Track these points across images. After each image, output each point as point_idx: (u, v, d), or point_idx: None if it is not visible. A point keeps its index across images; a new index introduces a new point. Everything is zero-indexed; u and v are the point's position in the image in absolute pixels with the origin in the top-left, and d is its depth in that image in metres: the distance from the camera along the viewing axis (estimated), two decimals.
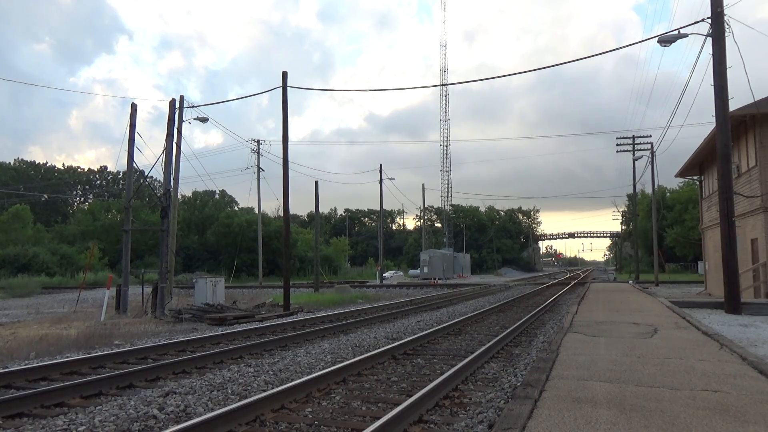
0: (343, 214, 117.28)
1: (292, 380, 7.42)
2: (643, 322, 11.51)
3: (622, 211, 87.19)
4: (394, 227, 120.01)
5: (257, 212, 55.76)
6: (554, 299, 22.37)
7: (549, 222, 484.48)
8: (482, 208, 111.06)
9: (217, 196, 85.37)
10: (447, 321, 15.02)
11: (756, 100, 16.26)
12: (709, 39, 15.21)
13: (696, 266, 54.63)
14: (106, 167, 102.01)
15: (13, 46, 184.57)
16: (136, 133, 19.71)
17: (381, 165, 51.36)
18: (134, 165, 20.31)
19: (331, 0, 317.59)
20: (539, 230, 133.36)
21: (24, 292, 34.97)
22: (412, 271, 72.35)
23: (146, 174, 33.02)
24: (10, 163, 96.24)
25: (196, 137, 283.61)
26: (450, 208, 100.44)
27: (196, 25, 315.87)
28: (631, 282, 39.03)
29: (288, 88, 20.57)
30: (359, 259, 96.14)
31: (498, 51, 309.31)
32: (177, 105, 21.87)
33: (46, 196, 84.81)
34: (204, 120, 24.27)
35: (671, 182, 71.62)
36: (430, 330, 12.34)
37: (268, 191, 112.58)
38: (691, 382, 5.86)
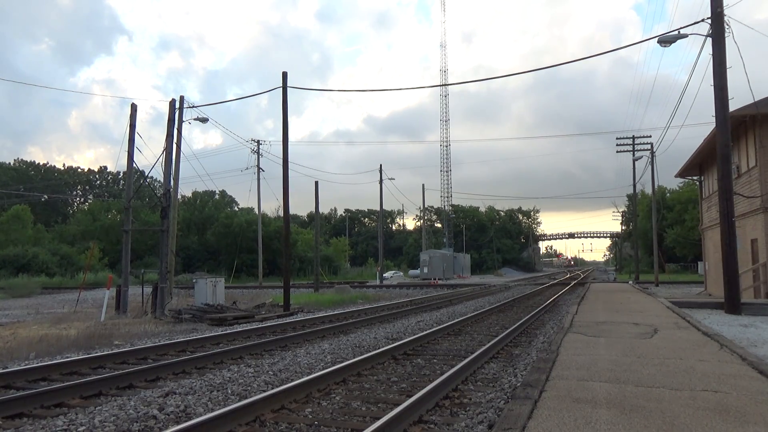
0: (343, 215, 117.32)
1: (292, 380, 7.42)
2: (643, 323, 11.52)
3: (622, 212, 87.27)
4: (394, 227, 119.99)
5: (257, 212, 55.81)
6: (554, 299, 22.37)
7: (549, 222, 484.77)
8: (482, 209, 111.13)
9: (217, 197, 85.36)
10: (447, 321, 15.02)
11: (756, 100, 16.26)
12: (709, 39, 15.21)
13: (696, 266, 54.62)
14: (105, 167, 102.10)
15: (12, 47, 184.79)
16: (135, 134, 19.73)
17: (381, 165, 51.48)
18: (134, 165, 20.32)
19: (330, 0, 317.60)
20: (539, 230, 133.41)
21: (24, 292, 34.98)
22: (412, 272, 72.35)
23: (146, 174, 33.01)
24: (9, 163, 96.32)
25: (195, 137, 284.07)
26: (450, 208, 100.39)
27: (195, 26, 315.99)
28: (631, 282, 39.03)
29: (288, 89, 20.61)
30: (359, 260, 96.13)
31: (495, 52, 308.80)
32: (177, 105, 21.87)
33: (46, 197, 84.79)
34: (204, 120, 24.27)
35: (671, 182, 71.60)
36: (430, 330, 12.34)
37: (268, 191, 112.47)
38: (691, 383, 5.86)
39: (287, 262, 20.97)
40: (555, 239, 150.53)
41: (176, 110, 21.69)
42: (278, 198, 75.23)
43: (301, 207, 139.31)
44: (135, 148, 19.63)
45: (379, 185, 51.14)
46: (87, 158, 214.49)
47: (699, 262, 40.31)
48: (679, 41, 17.20)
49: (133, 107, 20.02)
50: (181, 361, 8.89)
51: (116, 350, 10.38)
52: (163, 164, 19.78)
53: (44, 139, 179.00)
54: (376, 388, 7.25)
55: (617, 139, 44.73)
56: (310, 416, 5.97)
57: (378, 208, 55.95)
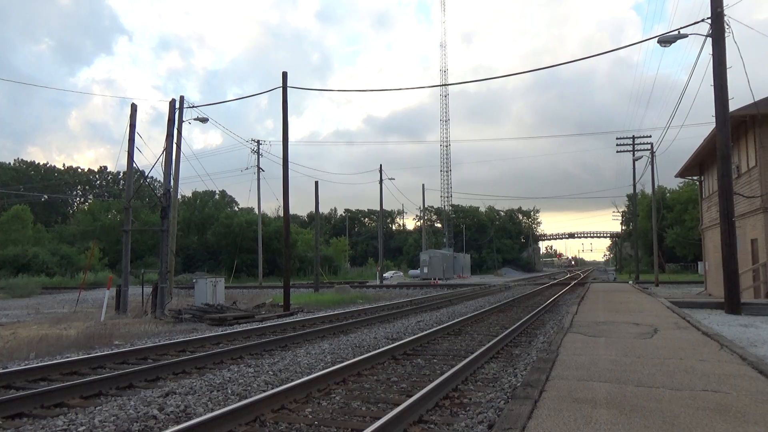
0: (343, 215, 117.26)
1: (292, 380, 7.42)
2: (643, 323, 11.52)
3: (622, 212, 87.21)
4: (394, 227, 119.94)
5: (257, 212, 55.79)
6: (554, 299, 22.37)
7: (549, 222, 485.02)
8: (482, 209, 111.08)
9: (217, 197, 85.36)
10: (447, 321, 15.02)
11: (756, 100, 16.26)
12: (709, 39, 15.21)
13: (696, 266, 54.61)
14: (106, 167, 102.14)
15: (12, 47, 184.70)
16: (135, 134, 19.73)
17: (381, 165, 51.44)
18: (134, 165, 20.32)
19: (330, 0, 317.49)
20: (539, 230, 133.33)
21: (24, 292, 34.94)
22: (412, 272, 72.30)
23: (146, 174, 33.01)
24: (10, 163, 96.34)
25: (195, 137, 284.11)
26: (450, 208, 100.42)
27: (195, 26, 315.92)
28: (631, 282, 39.03)
29: (288, 89, 20.61)
30: (359, 260, 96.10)
31: (495, 52, 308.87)
32: (177, 105, 21.87)
33: (46, 197, 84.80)
34: (204, 120, 24.27)
35: (671, 182, 71.69)
36: (430, 330, 12.34)
37: (268, 191, 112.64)
38: (691, 383, 5.86)
39: (287, 262, 20.97)
40: (555, 239, 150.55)
41: (176, 110, 21.69)
42: (278, 198, 75.25)
43: (301, 207, 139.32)
44: (135, 148, 19.64)
45: (379, 185, 51.16)
46: (87, 158, 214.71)
47: (699, 262, 40.32)
48: (679, 41, 17.21)
49: (133, 107, 20.03)
50: (181, 361, 8.89)
51: (116, 350, 10.38)
52: (163, 164, 19.77)
53: (44, 139, 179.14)
54: (376, 388, 7.25)
55: (617, 139, 44.75)
56: (310, 416, 5.97)
57: (378, 208, 55.97)
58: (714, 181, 21.51)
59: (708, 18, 15.23)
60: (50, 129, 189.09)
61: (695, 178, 29.47)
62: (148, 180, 32.92)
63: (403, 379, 7.82)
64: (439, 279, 55.53)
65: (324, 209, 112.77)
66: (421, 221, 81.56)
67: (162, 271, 19.00)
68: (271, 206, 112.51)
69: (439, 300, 24.19)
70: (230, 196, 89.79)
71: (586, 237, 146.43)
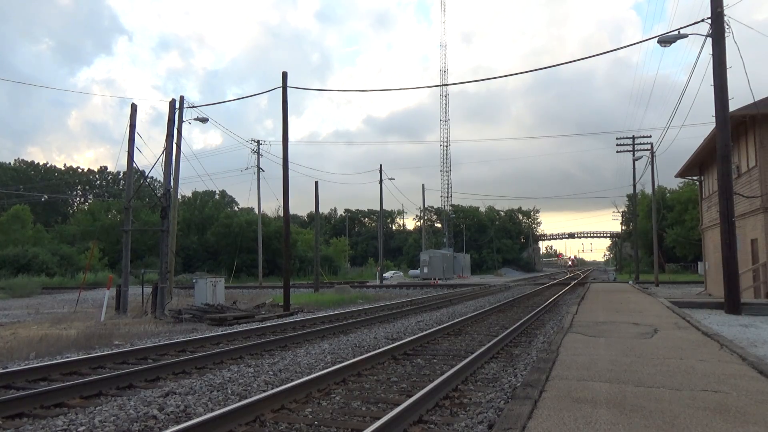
0: (343, 215, 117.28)
1: (292, 380, 7.42)
2: (643, 323, 11.52)
3: (622, 212, 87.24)
4: (394, 227, 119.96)
5: (257, 212, 55.82)
6: (554, 299, 22.37)
7: (549, 222, 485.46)
8: (482, 209, 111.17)
9: (217, 197, 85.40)
10: (447, 321, 15.02)
11: (756, 100, 16.25)
12: (709, 39, 15.21)
13: (696, 266, 54.59)
14: (106, 167, 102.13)
15: (12, 47, 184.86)
16: (135, 134, 19.73)
17: (381, 165, 51.46)
18: (134, 165, 20.31)
19: (330, 0, 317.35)
20: (539, 230, 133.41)
21: (24, 292, 34.94)
22: (412, 272, 72.32)
23: (146, 174, 33.01)
24: (9, 163, 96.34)
25: (195, 137, 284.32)
26: (450, 208, 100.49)
27: (195, 26, 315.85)
28: (631, 282, 39.04)
29: (288, 89, 20.61)
30: (359, 260, 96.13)
31: (495, 52, 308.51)
32: (177, 105, 21.88)
33: (45, 197, 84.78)
34: (204, 120, 24.29)
35: (671, 182, 71.77)
36: (430, 330, 12.34)
37: (268, 191, 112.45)
38: (691, 383, 5.86)
39: (287, 262, 20.96)
40: (555, 239, 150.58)
41: (176, 110, 21.70)
42: (278, 198, 75.25)
43: (301, 207, 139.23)
44: (135, 148, 19.64)
45: (379, 185, 51.17)
46: (87, 158, 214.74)
47: (699, 262, 40.29)
48: (679, 41, 17.21)
49: (133, 107, 20.03)
50: (181, 361, 8.89)
51: (116, 350, 10.38)
52: (163, 164, 19.77)
53: (44, 139, 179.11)
54: (376, 388, 7.25)
55: (617, 139, 44.74)
56: (310, 416, 5.97)
57: (378, 208, 55.98)
58: (714, 181, 21.50)
59: (708, 18, 15.23)
60: (50, 129, 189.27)
61: (695, 178, 29.47)
62: (148, 180, 32.91)
63: (403, 379, 7.82)
64: (439, 279, 55.52)
65: (324, 209, 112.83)
66: (421, 221, 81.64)
67: (162, 271, 19.00)
68: (271, 206, 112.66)
69: (439, 300, 24.18)
70: (230, 196, 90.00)
71: (586, 237, 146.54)
